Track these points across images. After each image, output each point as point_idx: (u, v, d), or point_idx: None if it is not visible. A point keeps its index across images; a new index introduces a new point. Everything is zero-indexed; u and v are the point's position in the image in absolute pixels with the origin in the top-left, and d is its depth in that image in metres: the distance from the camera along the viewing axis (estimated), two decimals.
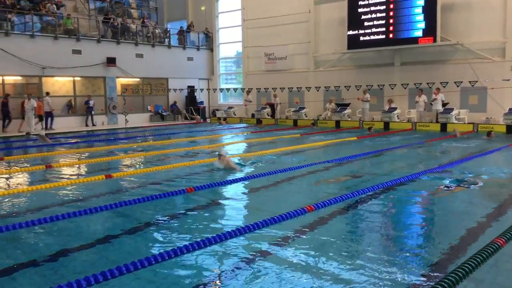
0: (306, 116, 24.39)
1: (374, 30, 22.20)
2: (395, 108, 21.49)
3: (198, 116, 26.91)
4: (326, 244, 5.22)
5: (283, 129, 20.97)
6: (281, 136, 17.85)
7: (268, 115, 25.52)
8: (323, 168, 10.31)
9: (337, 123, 22.29)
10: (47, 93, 21.77)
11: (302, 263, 4.63)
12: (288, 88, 24.99)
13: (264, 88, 25.81)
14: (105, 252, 5.17)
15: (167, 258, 4.74)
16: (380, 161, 11.76)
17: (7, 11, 20.94)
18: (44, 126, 21.33)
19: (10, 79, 21.91)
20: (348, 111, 22.91)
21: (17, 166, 11.34)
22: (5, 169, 10.82)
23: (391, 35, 21.81)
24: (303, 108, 24.66)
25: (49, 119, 21.69)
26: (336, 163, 10.93)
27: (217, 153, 9.81)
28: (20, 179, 9.79)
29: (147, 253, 4.89)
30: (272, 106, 25.54)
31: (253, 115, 25.96)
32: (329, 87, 23.64)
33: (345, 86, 23.14)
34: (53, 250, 5.11)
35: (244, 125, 24.36)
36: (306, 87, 24.68)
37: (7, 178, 9.76)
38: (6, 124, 20.52)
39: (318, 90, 24.19)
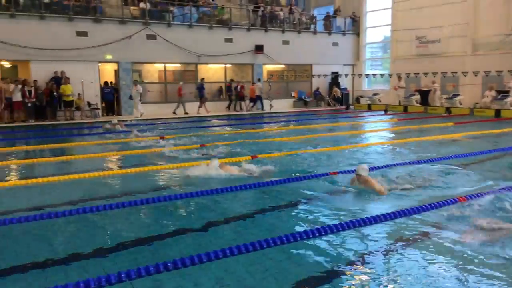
0: (461, 104, 22.47)
1: None
2: None
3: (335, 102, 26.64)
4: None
5: (432, 117, 19.64)
6: (433, 125, 16.73)
7: (417, 102, 24.10)
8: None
9: (497, 112, 20.10)
10: (258, 80, 24.73)
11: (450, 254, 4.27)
12: (442, 73, 23.26)
13: (415, 74, 24.39)
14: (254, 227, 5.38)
15: (311, 236, 4.77)
16: None
17: (169, 3, 22.98)
18: (249, 108, 24.48)
19: (170, 67, 24.08)
20: (510, 99, 20.52)
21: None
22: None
23: None
24: (457, 95, 22.75)
25: (259, 101, 24.21)
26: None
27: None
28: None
29: (291, 230, 4.98)
30: (423, 92, 24.05)
31: (399, 102, 24.79)
32: (489, 72, 21.38)
33: (508, 71, 20.73)
34: (201, 223, 5.49)
35: (390, 112, 23.38)
36: (462, 72, 22.68)
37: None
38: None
39: (476, 75, 22.04)
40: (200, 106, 22.76)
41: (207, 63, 24.26)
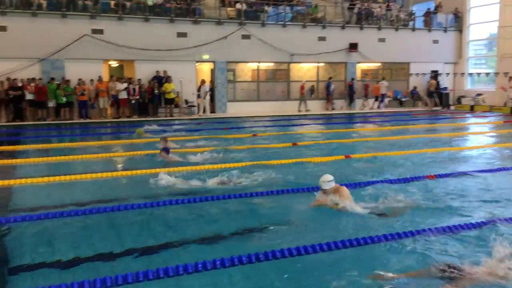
0: None
1: None
2: None
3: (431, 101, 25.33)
4: None
5: None
6: None
7: None
8: None
9: None
10: (383, 78, 25.07)
11: None
12: None
13: None
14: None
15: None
16: None
17: (264, 4, 23.32)
18: (377, 106, 24.78)
19: (263, 66, 24.44)
20: None
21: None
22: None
23: None
24: None
25: (379, 100, 24.68)
26: None
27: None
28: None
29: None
30: None
31: (505, 104, 22.94)
32: None
33: None
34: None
35: (494, 114, 21.74)
36: None
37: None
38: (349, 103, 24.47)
39: None
40: (328, 103, 24.05)
41: (299, 62, 24.27)
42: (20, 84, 18.07)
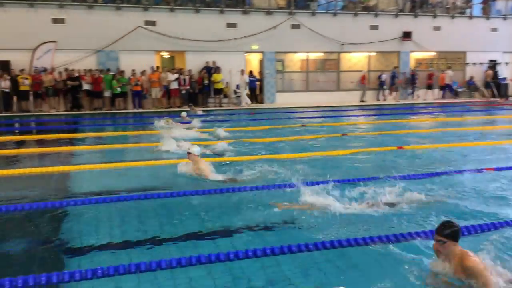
0: None
1: None
2: None
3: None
4: None
5: None
6: None
7: None
8: None
9: None
10: (449, 67, 24.56)
11: None
12: None
13: None
14: None
15: None
16: None
17: None
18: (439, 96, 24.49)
19: (312, 56, 24.16)
20: None
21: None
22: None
23: None
24: None
25: (446, 89, 24.43)
26: None
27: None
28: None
29: None
30: None
31: None
32: None
33: None
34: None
35: None
36: None
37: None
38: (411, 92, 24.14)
39: None
40: (390, 94, 23.67)
41: (350, 52, 23.80)
42: (77, 75, 18.80)
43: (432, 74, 24.31)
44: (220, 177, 6.91)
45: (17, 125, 16.42)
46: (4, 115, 17.51)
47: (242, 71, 20.90)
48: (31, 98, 18.30)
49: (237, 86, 21.55)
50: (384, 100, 23.64)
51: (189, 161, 7.12)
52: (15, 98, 18.22)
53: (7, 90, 17.71)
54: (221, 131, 11.33)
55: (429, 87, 24.28)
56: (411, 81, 23.87)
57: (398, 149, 9.26)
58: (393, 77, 23.56)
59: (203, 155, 7.79)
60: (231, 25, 21.30)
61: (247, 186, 6.35)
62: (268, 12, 21.83)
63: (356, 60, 24.73)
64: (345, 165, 7.93)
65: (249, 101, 21.15)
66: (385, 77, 23.62)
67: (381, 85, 23.66)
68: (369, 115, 17.95)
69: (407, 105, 22.07)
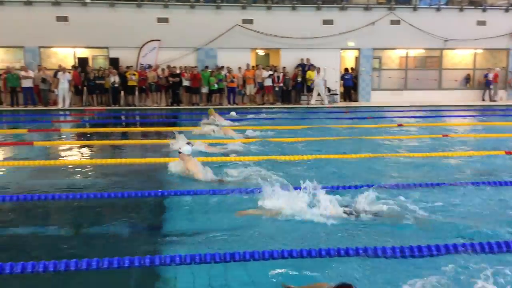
0: None
1: None
2: None
3: None
4: None
5: None
6: None
7: None
8: None
9: None
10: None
11: None
12: None
13: None
14: None
15: None
16: None
17: None
18: None
19: (412, 52, 23.10)
20: None
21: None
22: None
23: None
24: None
25: None
26: None
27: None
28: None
29: None
30: None
31: None
32: None
33: None
34: None
35: None
36: None
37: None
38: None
39: None
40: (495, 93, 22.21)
41: (453, 48, 22.43)
42: (178, 71, 19.78)
43: None
44: (208, 177, 6.75)
45: (123, 117, 17.67)
46: (114, 108, 19.00)
47: (318, 69, 20.21)
48: (136, 93, 19.61)
49: (312, 83, 20.63)
50: (493, 100, 21.97)
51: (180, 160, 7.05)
52: (122, 93, 19.63)
53: (117, 85, 19.12)
54: (250, 131, 11.41)
55: None
56: None
57: (506, 154, 8.57)
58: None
59: (211, 154, 8.41)
60: (328, 22, 21.09)
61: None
62: (367, 8, 21.29)
63: (460, 58, 23.27)
64: (444, 168, 7.50)
65: (326, 102, 20.66)
66: (492, 76, 21.95)
67: (487, 84, 22.05)
68: (472, 116, 16.81)
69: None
